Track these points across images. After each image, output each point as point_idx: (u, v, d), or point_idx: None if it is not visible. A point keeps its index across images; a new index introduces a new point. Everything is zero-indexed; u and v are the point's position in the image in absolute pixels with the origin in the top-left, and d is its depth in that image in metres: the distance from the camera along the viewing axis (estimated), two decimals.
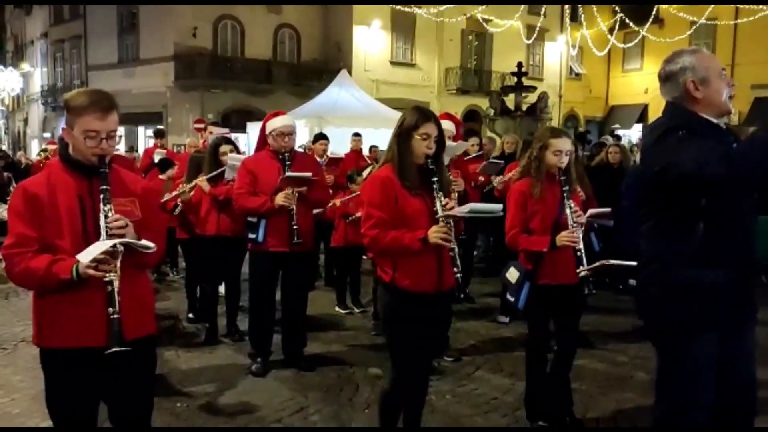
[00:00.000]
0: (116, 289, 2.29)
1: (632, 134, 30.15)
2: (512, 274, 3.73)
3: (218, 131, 6.65)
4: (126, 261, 2.36)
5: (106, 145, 2.41)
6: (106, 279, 2.29)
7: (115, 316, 2.29)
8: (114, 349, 2.27)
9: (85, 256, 2.27)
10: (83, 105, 2.38)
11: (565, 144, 3.67)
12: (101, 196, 2.37)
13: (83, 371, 2.42)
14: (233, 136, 15.03)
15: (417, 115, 3.06)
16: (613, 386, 4.63)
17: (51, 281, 2.32)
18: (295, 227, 4.47)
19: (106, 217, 2.35)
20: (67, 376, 2.46)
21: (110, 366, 2.39)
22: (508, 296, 3.78)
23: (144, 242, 2.37)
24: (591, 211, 4.20)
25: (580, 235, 3.58)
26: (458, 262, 3.01)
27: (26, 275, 2.35)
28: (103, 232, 2.34)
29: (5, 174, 11.06)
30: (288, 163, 4.55)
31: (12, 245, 2.36)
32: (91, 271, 2.26)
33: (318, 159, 7.51)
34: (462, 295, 3.11)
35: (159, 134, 11.98)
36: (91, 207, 2.40)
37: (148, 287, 2.70)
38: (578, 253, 3.56)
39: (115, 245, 2.29)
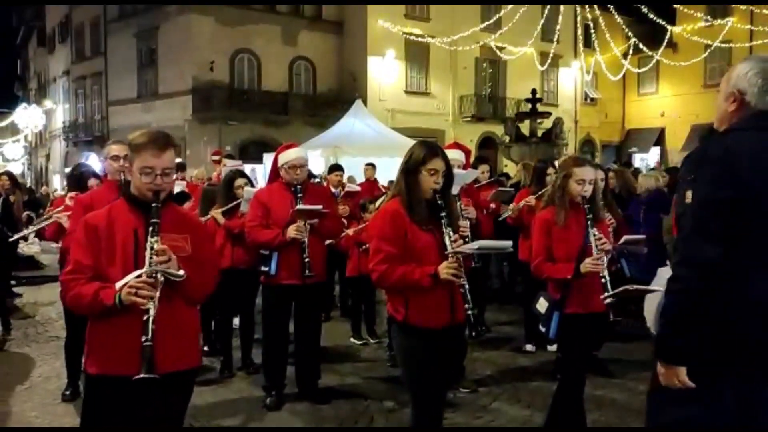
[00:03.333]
0: (152, 318, 2.38)
1: (650, 158, 30.01)
2: (542, 305, 3.72)
3: (231, 164, 6.73)
4: (172, 293, 2.48)
5: (160, 180, 2.56)
6: (143, 307, 2.38)
7: (148, 343, 2.35)
8: (141, 376, 2.32)
9: (121, 283, 2.41)
10: (142, 143, 2.57)
11: (588, 173, 3.70)
12: (150, 228, 2.50)
13: (120, 400, 2.50)
14: (250, 167, 15.18)
15: (424, 151, 3.06)
16: (633, 416, 4.52)
17: (97, 307, 2.46)
18: (307, 260, 4.47)
19: (151, 248, 2.46)
20: (105, 404, 2.55)
21: (144, 396, 2.46)
22: (540, 327, 3.77)
23: (173, 270, 2.46)
24: (626, 237, 4.20)
25: (605, 263, 3.57)
26: (469, 298, 2.97)
27: (77, 299, 2.52)
28: (147, 262, 2.44)
29: (26, 213, 11.03)
30: (300, 195, 4.57)
31: (69, 272, 2.56)
32: (132, 298, 2.37)
33: (333, 190, 7.56)
34: (474, 333, 3.08)
35: (178, 167, 12.15)
36: (144, 240, 2.52)
37: (194, 322, 2.78)
38: (603, 281, 3.55)
39: (150, 274, 2.40)
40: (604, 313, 3.57)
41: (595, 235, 3.59)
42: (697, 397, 2.19)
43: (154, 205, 2.54)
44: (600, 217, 3.78)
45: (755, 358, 2.15)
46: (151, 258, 2.44)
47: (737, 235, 2.08)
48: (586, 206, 3.64)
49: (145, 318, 2.38)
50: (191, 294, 2.63)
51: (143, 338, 2.36)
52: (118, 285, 2.41)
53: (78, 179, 5.19)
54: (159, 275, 2.42)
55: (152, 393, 2.43)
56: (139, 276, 2.40)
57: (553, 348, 5.91)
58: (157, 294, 2.41)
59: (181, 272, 2.46)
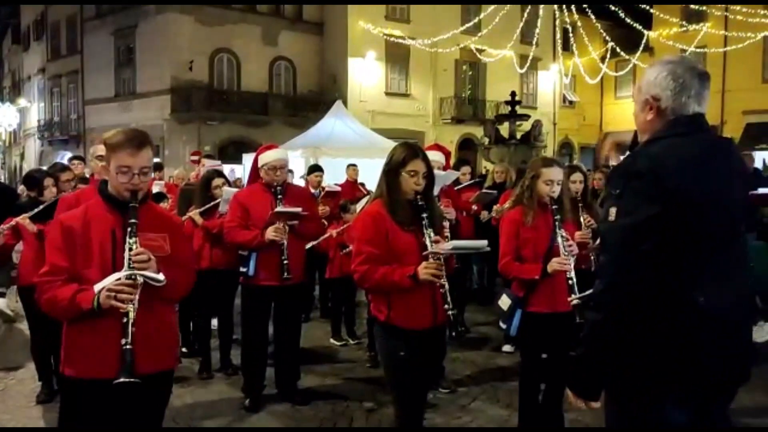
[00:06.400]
0: (131, 321, 2.35)
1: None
2: (504, 302, 3.74)
3: (211, 164, 6.68)
4: (149, 294, 2.44)
5: (137, 180, 2.52)
6: (123, 310, 2.35)
7: (128, 347, 2.33)
8: (122, 380, 2.30)
9: (99, 286, 2.36)
10: (118, 142, 2.51)
11: (556, 173, 3.71)
12: (128, 229, 2.46)
13: (98, 403, 2.48)
14: (230, 167, 15.03)
15: (405, 152, 3.08)
16: None
17: (74, 310, 2.41)
18: (285, 262, 4.45)
19: (130, 249, 2.43)
20: (82, 406, 2.52)
21: (123, 398, 2.42)
22: (501, 324, 3.80)
23: (155, 275, 2.42)
24: None
25: (572, 263, 3.58)
26: (449, 299, 2.98)
27: (52, 303, 2.46)
28: (126, 263, 2.41)
29: None
30: (280, 196, 4.55)
31: (45, 273, 2.49)
32: (112, 302, 2.33)
33: (312, 190, 7.54)
34: (454, 333, 3.09)
35: (156, 167, 12.04)
36: (122, 240, 2.49)
37: (172, 323, 2.76)
38: (570, 281, 3.56)
39: (130, 276, 2.37)
40: (569, 314, 3.57)
41: (562, 236, 3.61)
42: (647, 423, 2.09)
43: (131, 205, 2.50)
44: (566, 218, 3.79)
45: (701, 373, 2.02)
46: (129, 260, 2.41)
47: (674, 251, 1.95)
48: (553, 207, 3.66)
49: (124, 321, 2.34)
50: (169, 294, 2.60)
51: (123, 341, 2.33)
52: (97, 288, 2.37)
53: (28, 181, 5.09)
54: (139, 278, 2.38)
55: (131, 395, 2.40)
56: (119, 279, 2.36)
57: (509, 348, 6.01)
58: (137, 297, 2.38)
59: (162, 277, 2.43)
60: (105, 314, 2.38)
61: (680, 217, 1.95)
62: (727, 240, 2.06)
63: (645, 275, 1.95)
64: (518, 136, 15.30)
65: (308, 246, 6.43)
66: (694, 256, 1.99)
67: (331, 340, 6.65)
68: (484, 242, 3.15)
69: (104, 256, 2.49)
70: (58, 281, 2.45)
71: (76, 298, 2.40)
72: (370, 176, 11.41)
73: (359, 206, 6.77)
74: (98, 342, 2.44)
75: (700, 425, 2.10)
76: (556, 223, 3.63)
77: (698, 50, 25.35)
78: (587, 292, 3.39)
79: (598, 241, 4.20)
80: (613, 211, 2.03)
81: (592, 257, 4.96)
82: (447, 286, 2.98)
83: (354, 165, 10.14)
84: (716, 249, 2.03)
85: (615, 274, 2.02)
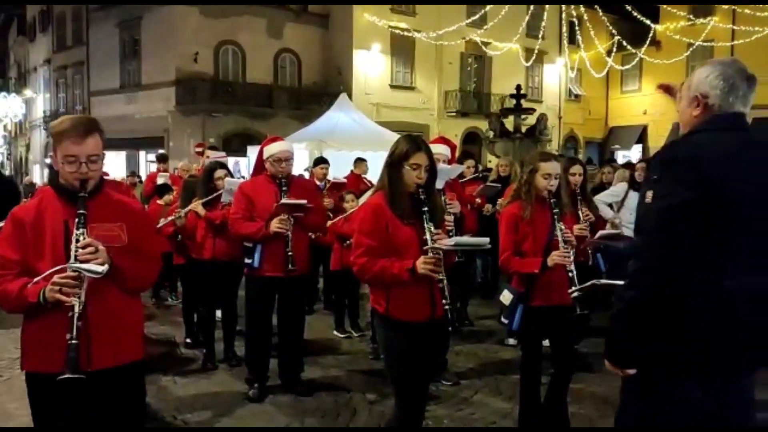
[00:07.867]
0: (77, 315, 2.27)
1: (632, 155, 30.29)
2: (506, 297, 3.75)
3: (215, 155, 6.69)
4: (106, 286, 2.38)
5: (85, 169, 2.42)
6: (67, 304, 2.28)
7: (72, 342, 2.26)
8: (66, 376, 2.23)
9: (36, 280, 2.31)
10: (62, 130, 2.42)
11: (554, 167, 3.72)
12: (76, 220, 2.38)
13: (65, 397, 2.41)
14: (234, 159, 14.99)
15: (408, 145, 3.07)
16: (611, 409, 4.57)
17: (23, 304, 2.36)
18: (290, 254, 4.46)
19: (77, 241, 2.35)
20: (49, 401, 2.46)
21: (88, 392, 2.37)
22: (503, 319, 3.81)
23: (92, 267, 2.31)
24: (601, 232, 4.21)
25: (572, 256, 3.59)
26: (447, 293, 2.98)
27: (3, 297, 2.39)
28: (72, 255, 2.33)
29: None
30: (285, 188, 4.56)
31: None
32: (56, 295, 2.27)
33: (318, 183, 7.55)
34: (451, 328, 3.10)
35: (162, 159, 12.08)
36: (74, 231, 2.40)
37: (136, 313, 2.66)
38: (570, 274, 3.58)
39: (76, 270, 2.29)
40: (569, 307, 3.58)
41: (561, 229, 3.62)
42: (666, 398, 2.17)
43: (80, 195, 2.41)
44: (565, 212, 3.79)
45: (725, 354, 2.10)
46: (76, 251, 2.32)
47: (708, 237, 2.03)
48: (552, 200, 3.67)
49: (70, 315, 2.27)
50: (128, 285, 2.51)
51: (68, 336, 2.25)
52: (35, 280, 2.31)
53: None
54: (82, 271, 2.29)
55: (93, 390, 2.34)
56: (60, 271, 2.28)
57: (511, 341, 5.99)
58: (83, 290, 2.30)
59: (101, 268, 2.30)
60: (55, 308, 2.31)
61: (715, 205, 2.03)
62: (765, 231, 2.11)
63: (677, 257, 2.04)
64: (523, 129, 15.27)
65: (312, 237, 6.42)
66: (726, 243, 2.07)
67: (335, 332, 6.67)
68: (486, 240, 3.15)
69: (56, 248, 2.40)
70: (10, 275, 2.38)
71: (24, 291, 2.34)
72: (375, 169, 11.41)
73: (362, 200, 6.78)
74: (51, 336, 2.36)
75: (715, 404, 2.16)
76: (555, 216, 3.64)
77: (705, 44, 25.22)
78: (587, 284, 3.40)
79: (596, 235, 4.21)
80: (649, 194, 2.13)
81: (589, 251, 4.97)
82: (445, 281, 2.97)
83: (363, 159, 10.14)
84: (753, 238, 2.09)
85: (649, 255, 2.11)
